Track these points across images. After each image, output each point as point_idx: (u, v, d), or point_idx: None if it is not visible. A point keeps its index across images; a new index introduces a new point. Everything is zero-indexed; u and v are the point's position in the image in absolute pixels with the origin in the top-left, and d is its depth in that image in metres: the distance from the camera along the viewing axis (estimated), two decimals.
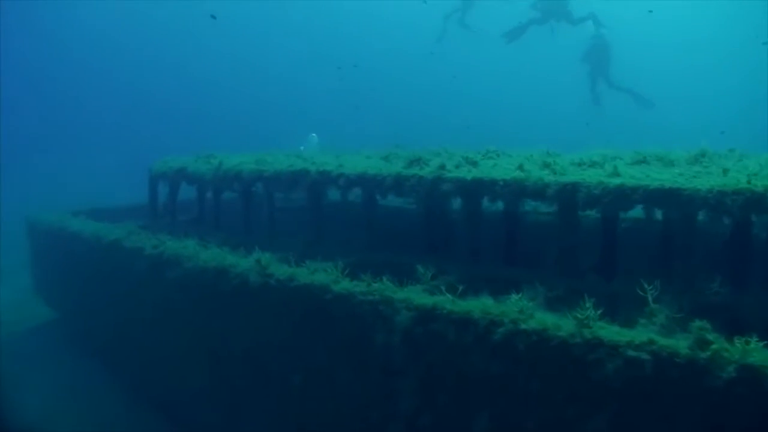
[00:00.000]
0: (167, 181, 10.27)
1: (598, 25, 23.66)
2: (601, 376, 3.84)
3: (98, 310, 9.85)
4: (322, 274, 5.61)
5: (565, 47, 25.30)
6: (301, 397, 5.81)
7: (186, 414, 7.79)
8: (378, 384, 5.14)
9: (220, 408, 6.94)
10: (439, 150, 7.18)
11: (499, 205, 6.25)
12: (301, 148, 18.06)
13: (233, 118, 43.72)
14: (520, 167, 5.67)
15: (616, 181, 5.02)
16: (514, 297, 4.42)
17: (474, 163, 6.30)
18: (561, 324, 4.07)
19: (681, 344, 3.71)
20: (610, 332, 3.93)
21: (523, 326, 4.17)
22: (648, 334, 3.88)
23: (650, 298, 4.38)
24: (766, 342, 3.54)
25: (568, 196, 5.22)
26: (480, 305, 4.47)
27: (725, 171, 4.93)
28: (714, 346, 3.59)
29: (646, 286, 4.42)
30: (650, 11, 32.43)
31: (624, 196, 4.92)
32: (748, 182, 4.58)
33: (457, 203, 8.48)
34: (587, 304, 4.07)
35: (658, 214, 7.09)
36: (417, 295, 4.88)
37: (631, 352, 3.76)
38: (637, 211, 6.07)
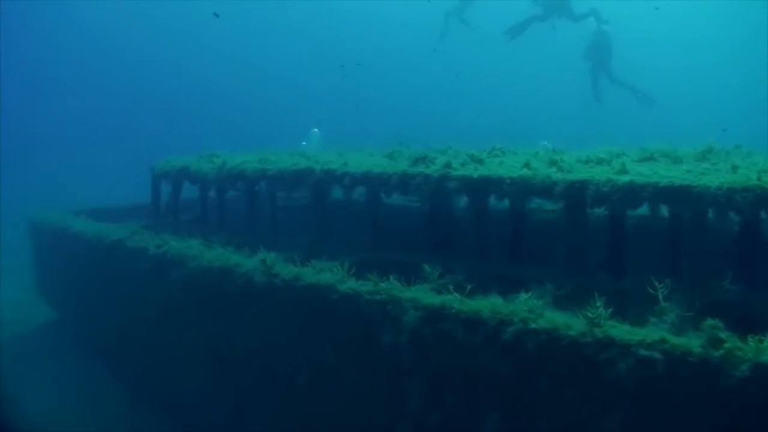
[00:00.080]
0: (170, 180, 10.23)
1: (600, 22, 23.59)
2: (613, 375, 3.80)
3: (101, 311, 9.82)
4: (328, 274, 5.57)
5: (566, 44, 25.24)
6: (307, 397, 5.77)
7: (190, 414, 7.76)
8: (385, 384, 5.10)
9: (225, 408, 6.91)
10: (444, 148, 7.14)
11: (503, 202, 6.22)
12: (303, 143, 18.04)
13: (234, 117, 43.67)
14: (527, 165, 5.63)
15: (625, 178, 4.98)
16: (524, 296, 4.38)
17: (480, 161, 6.25)
18: (571, 323, 4.04)
19: (693, 343, 3.67)
20: (622, 331, 3.89)
21: (533, 326, 4.14)
22: (660, 332, 3.85)
23: (661, 297, 4.34)
24: None
25: (576, 194, 5.18)
26: (489, 304, 4.43)
27: (734, 168, 4.89)
28: (727, 345, 3.55)
29: (656, 284, 4.37)
30: (656, 8, 32.37)
31: (633, 193, 4.88)
32: (758, 179, 4.54)
33: (461, 201, 8.51)
34: (598, 303, 4.03)
35: (664, 211, 7.07)
36: (424, 295, 4.85)
37: (643, 352, 3.72)
38: (641, 208, 6.04)
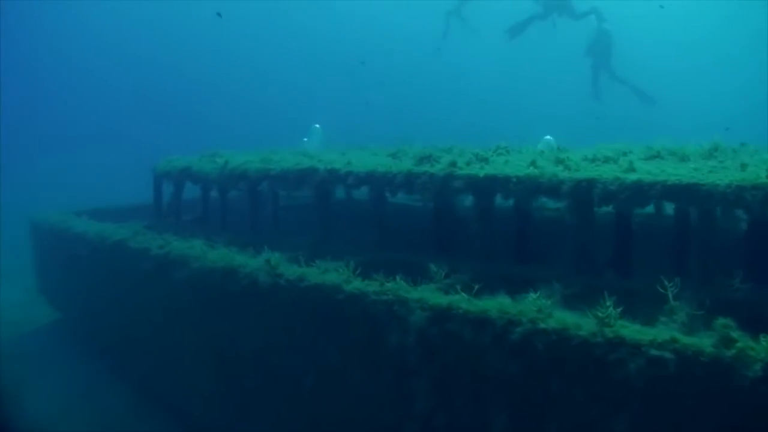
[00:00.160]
0: (172, 180, 10.19)
1: (601, 20, 23.57)
2: (624, 375, 3.77)
3: (103, 311, 9.79)
4: (333, 274, 5.54)
5: (566, 43, 25.20)
6: (313, 398, 5.74)
7: (194, 415, 7.73)
8: (392, 385, 5.07)
9: (229, 409, 6.87)
10: (448, 147, 7.10)
11: (506, 201, 6.18)
12: (305, 139, 17.98)
13: (234, 116, 43.65)
14: (533, 164, 5.59)
15: (633, 176, 4.94)
16: (532, 296, 4.34)
17: (485, 160, 6.21)
18: (581, 323, 4.00)
19: (705, 342, 3.64)
20: (632, 331, 3.86)
21: (542, 326, 4.10)
22: (670, 332, 3.81)
23: (671, 296, 4.30)
24: None
25: (584, 193, 5.15)
26: (497, 304, 4.40)
27: (744, 166, 4.85)
28: (739, 345, 3.52)
29: (666, 283, 4.34)
30: (661, 6, 32.33)
31: (641, 192, 4.84)
32: None
33: (463, 200, 8.46)
34: (608, 303, 4.00)
35: (669, 209, 7.04)
36: (431, 295, 4.81)
37: (654, 351, 3.69)
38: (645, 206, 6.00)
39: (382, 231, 7.08)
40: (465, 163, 6.14)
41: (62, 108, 44.55)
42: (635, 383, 3.73)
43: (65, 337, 11.91)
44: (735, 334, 3.57)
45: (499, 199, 5.93)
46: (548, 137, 14.58)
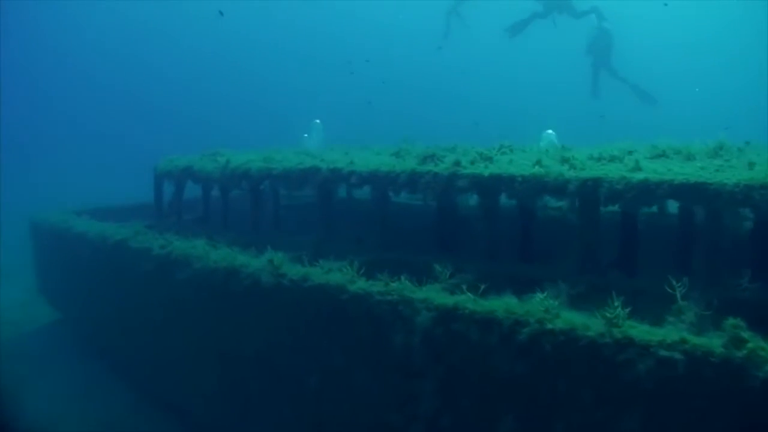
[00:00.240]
0: (173, 179, 10.15)
1: (601, 19, 23.53)
2: (632, 376, 3.73)
3: (104, 311, 9.74)
4: (337, 274, 5.50)
5: (567, 42, 25.15)
6: (317, 399, 5.70)
7: (196, 416, 7.69)
8: (397, 385, 5.03)
9: (232, 410, 6.84)
10: (451, 146, 7.05)
11: (508, 200, 6.14)
12: (305, 135, 17.95)
13: (234, 117, 43.57)
14: (539, 163, 5.55)
15: (640, 176, 4.91)
16: (539, 296, 4.30)
17: (489, 159, 6.18)
18: (589, 323, 3.96)
19: (715, 343, 3.60)
20: (641, 331, 3.82)
21: (550, 326, 4.07)
22: (679, 332, 3.78)
23: (679, 295, 4.27)
24: None
25: (590, 192, 5.11)
26: (503, 305, 4.36)
27: (751, 165, 4.82)
28: (750, 345, 3.49)
29: (674, 282, 4.30)
30: (665, 4, 32.28)
31: (648, 191, 4.81)
32: None
33: (466, 199, 8.43)
34: (616, 303, 3.96)
35: (672, 208, 7.01)
36: (437, 295, 4.77)
37: (663, 352, 3.66)
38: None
39: (385, 230, 7.04)
40: (469, 162, 6.10)
41: (62, 108, 44.48)
42: (644, 384, 3.70)
43: (65, 336, 11.87)
44: (745, 335, 3.54)
45: (501, 198, 5.89)
46: (550, 131, 14.55)
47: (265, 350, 6.25)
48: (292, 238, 7.69)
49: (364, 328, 5.16)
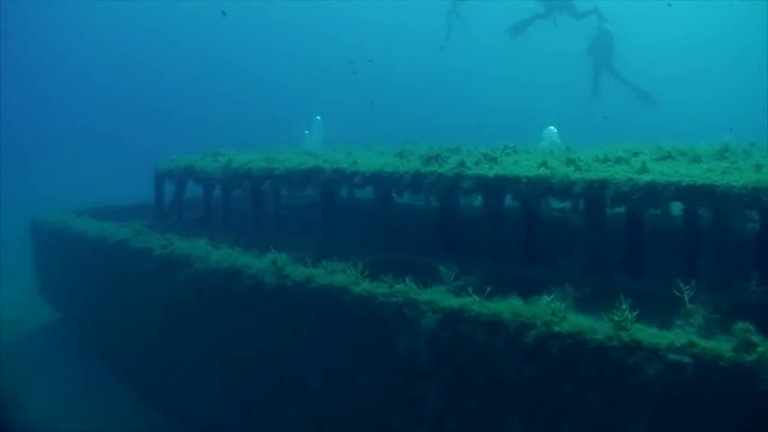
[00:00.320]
0: (174, 179, 10.11)
1: (602, 20, 23.52)
2: (641, 380, 3.70)
3: (104, 312, 9.70)
4: (341, 275, 5.46)
5: (569, 43, 25.13)
6: (319, 400, 5.67)
7: (198, 416, 7.65)
8: (401, 388, 5.00)
9: (234, 411, 6.80)
10: (455, 147, 7.01)
11: (511, 201, 6.11)
12: (306, 132, 17.93)
13: (233, 118, 43.52)
14: (544, 164, 5.52)
15: (646, 177, 4.87)
16: (546, 298, 4.27)
17: (493, 160, 6.14)
18: (597, 327, 3.93)
19: (724, 347, 3.57)
20: (649, 335, 3.79)
21: (557, 329, 4.03)
22: (688, 336, 3.75)
23: (687, 298, 4.23)
24: None
25: (596, 194, 5.08)
26: (510, 307, 4.33)
27: (758, 167, 4.79)
28: (760, 349, 3.45)
29: (682, 285, 4.27)
30: (669, 4, 32.27)
31: (655, 193, 4.77)
32: None
33: (469, 200, 8.39)
34: (624, 306, 3.93)
35: (674, 210, 6.98)
36: (442, 297, 4.74)
37: (672, 356, 3.62)
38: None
39: (389, 231, 7.00)
40: (474, 163, 6.06)
41: (62, 108, 44.43)
42: (652, 388, 3.67)
43: (65, 336, 11.83)
44: (755, 339, 3.50)
45: (515, 200, 5.85)
46: (551, 128, 14.54)
47: (268, 351, 6.22)
48: (294, 239, 7.65)
49: (368, 329, 5.12)
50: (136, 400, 8.88)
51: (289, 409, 6.06)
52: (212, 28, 47.01)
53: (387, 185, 6.71)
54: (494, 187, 5.73)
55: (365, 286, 5.17)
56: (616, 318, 3.90)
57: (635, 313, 3.94)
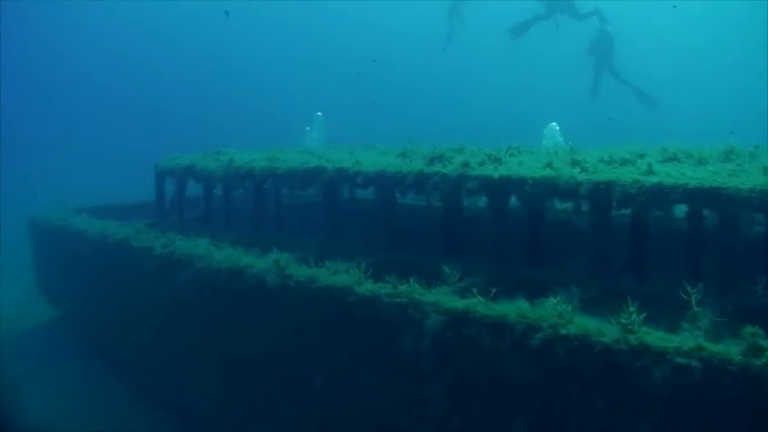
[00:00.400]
0: (174, 178, 10.06)
1: (603, 21, 23.52)
2: (648, 384, 3.67)
3: (104, 311, 9.66)
4: (344, 276, 5.42)
5: (570, 45, 25.11)
6: (322, 401, 5.63)
7: (199, 417, 7.61)
8: (404, 389, 4.97)
9: (236, 411, 6.76)
10: (459, 147, 6.97)
11: (513, 203, 6.07)
12: (307, 128, 17.88)
13: (233, 118, 43.46)
14: (549, 165, 5.48)
15: (653, 179, 4.84)
16: (552, 300, 4.24)
17: (498, 160, 6.10)
18: (604, 329, 3.90)
19: (732, 351, 3.54)
20: (657, 338, 3.76)
21: (563, 331, 4.00)
22: (696, 340, 3.72)
23: (694, 301, 4.20)
24: None
25: (602, 195, 5.05)
26: (515, 309, 4.30)
27: (765, 169, 4.76)
28: None
29: (689, 288, 4.24)
30: (674, 6, 32.29)
31: (662, 195, 4.74)
32: None
33: (472, 201, 8.35)
34: (631, 309, 3.90)
35: (677, 211, 6.94)
36: (447, 298, 4.70)
37: (679, 359, 3.59)
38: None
39: (392, 232, 6.96)
40: (478, 164, 6.03)
41: (61, 108, 44.37)
42: (660, 392, 3.64)
43: (65, 334, 11.79)
44: (764, 343, 3.48)
45: (520, 201, 5.82)
46: (554, 124, 14.52)
47: (270, 351, 6.18)
48: (295, 239, 7.61)
49: (371, 330, 5.09)
50: (136, 400, 8.84)
51: (290, 409, 6.02)
52: (212, 28, 47.00)
53: (390, 185, 6.68)
54: (499, 188, 5.70)
55: (369, 287, 5.14)
56: (623, 321, 3.86)
57: (642, 316, 3.90)
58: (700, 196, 4.66)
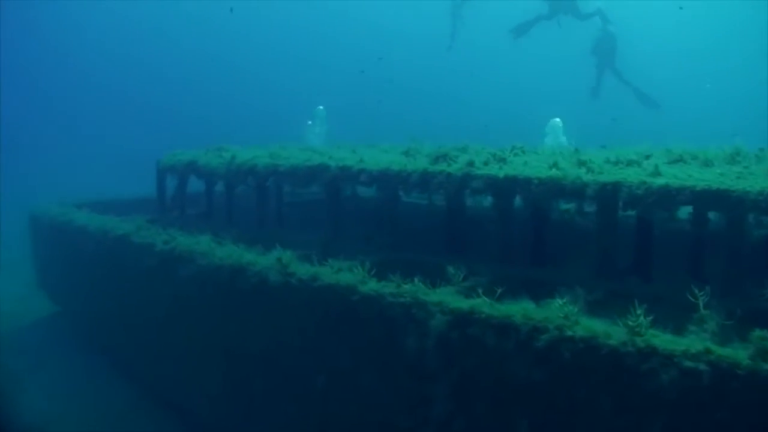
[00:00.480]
0: (176, 174, 10.03)
1: (605, 22, 23.50)
2: (655, 387, 3.64)
3: (104, 307, 9.62)
4: (347, 274, 5.39)
5: (572, 45, 25.08)
6: (323, 401, 5.60)
7: (199, 415, 7.58)
8: (408, 388, 4.94)
9: (236, 410, 6.73)
10: (462, 146, 6.93)
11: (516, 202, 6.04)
12: (309, 122, 17.82)
13: (233, 117, 43.35)
14: (555, 165, 5.45)
15: (660, 181, 4.81)
16: (558, 301, 4.20)
17: (503, 160, 6.07)
18: (611, 331, 3.87)
19: (741, 354, 3.51)
20: (664, 341, 3.73)
21: (569, 333, 3.97)
22: (704, 343, 3.69)
23: (701, 304, 4.17)
24: None
25: (609, 196, 5.02)
26: (521, 310, 4.26)
27: None
28: None
29: (696, 291, 4.21)
30: (680, 8, 32.23)
31: (669, 196, 4.71)
32: None
33: (474, 200, 8.31)
34: (638, 311, 3.87)
35: (681, 213, 6.92)
36: (451, 298, 4.67)
37: (687, 363, 3.56)
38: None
39: (395, 230, 6.93)
40: (483, 163, 5.99)
41: (63, 108, 44.31)
42: (667, 395, 3.61)
43: (64, 330, 11.75)
44: None
45: (525, 201, 5.78)
46: (556, 119, 14.48)
47: (271, 350, 6.15)
48: (297, 236, 7.57)
49: (375, 329, 5.05)
50: (136, 398, 8.80)
51: (292, 408, 5.99)
52: (214, 28, 46.94)
53: (394, 184, 6.65)
54: (504, 188, 5.66)
55: (372, 286, 5.10)
56: (630, 323, 3.83)
57: (650, 319, 3.87)
58: (707, 198, 4.63)
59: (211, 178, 9.38)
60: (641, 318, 3.84)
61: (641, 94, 25.16)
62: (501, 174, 5.66)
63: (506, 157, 6.20)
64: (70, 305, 11.59)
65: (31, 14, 44.52)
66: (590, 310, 4.59)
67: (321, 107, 18.32)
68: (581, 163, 5.42)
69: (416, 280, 4.97)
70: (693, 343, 3.67)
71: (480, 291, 4.56)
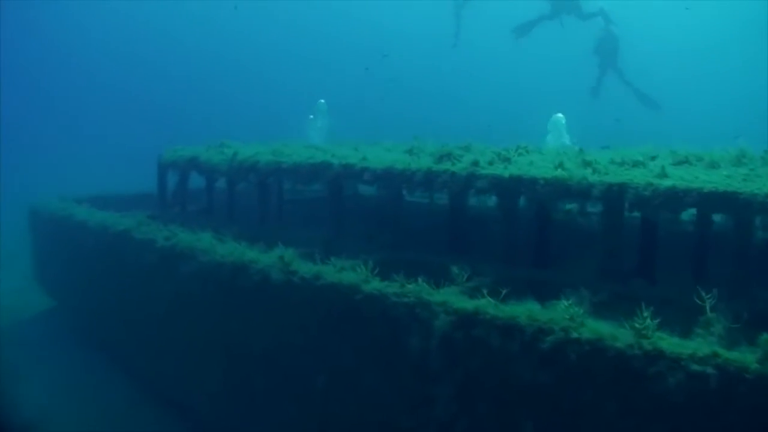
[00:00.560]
0: (177, 170, 9.98)
1: (608, 22, 23.43)
2: (662, 390, 3.61)
3: (104, 303, 9.57)
4: (350, 273, 5.35)
5: (574, 45, 25.01)
6: (325, 400, 5.57)
7: (199, 413, 7.54)
8: (411, 388, 4.91)
9: (237, 408, 6.70)
10: (466, 145, 6.89)
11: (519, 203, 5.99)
12: (311, 116, 17.72)
13: (233, 117, 43.24)
14: (560, 165, 5.41)
15: (667, 182, 4.77)
16: (564, 303, 4.17)
17: (507, 160, 6.03)
18: (617, 334, 3.83)
19: (748, 358, 3.48)
20: (671, 344, 3.70)
21: (575, 335, 3.94)
22: (711, 346, 3.66)
23: (708, 307, 4.14)
24: None
25: (615, 197, 4.98)
26: (526, 311, 4.23)
27: None
28: None
29: (703, 293, 4.18)
30: (687, 8, 32.14)
31: (676, 198, 4.68)
32: None
33: (478, 200, 8.28)
34: (645, 313, 3.84)
35: (685, 215, 6.88)
36: (456, 298, 4.63)
37: (695, 366, 3.53)
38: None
39: (398, 229, 6.89)
40: (487, 163, 5.95)
41: (65, 107, 44.19)
42: (674, 398, 3.58)
43: (63, 323, 11.71)
44: None
45: (530, 202, 5.74)
46: (559, 115, 14.38)
47: (273, 348, 6.11)
48: (299, 234, 7.53)
49: (377, 329, 5.02)
50: (136, 395, 8.75)
51: (292, 407, 5.96)
52: (216, 26, 46.81)
53: (398, 182, 6.60)
54: (509, 188, 5.62)
55: (376, 285, 5.07)
56: (637, 325, 3.80)
57: (656, 321, 3.84)
58: (714, 201, 4.60)
59: (213, 174, 9.33)
60: (648, 320, 3.81)
61: (641, 95, 25.11)
62: (506, 174, 5.62)
63: (511, 156, 6.15)
64: (68, 300, 11.54)
65: (31, 13, 44.39)
66: (595, 311, 4.55)
67: (322, 101, 18.18)
68: (587, 164, 5.38)
69: (420, 280, 4.93)
70: (700, 347, 3.65)
71: (485, 291, 4.52)
